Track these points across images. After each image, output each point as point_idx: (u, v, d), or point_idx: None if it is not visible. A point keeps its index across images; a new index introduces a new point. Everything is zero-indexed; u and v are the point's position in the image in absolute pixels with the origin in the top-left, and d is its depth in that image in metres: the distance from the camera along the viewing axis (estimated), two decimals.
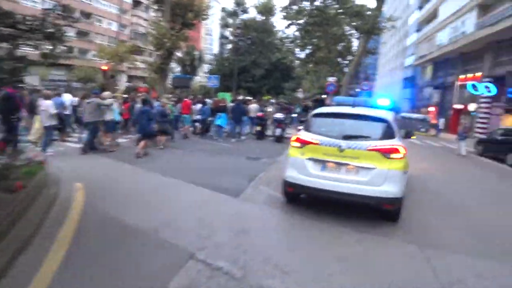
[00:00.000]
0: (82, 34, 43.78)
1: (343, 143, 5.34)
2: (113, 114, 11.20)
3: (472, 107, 29.46)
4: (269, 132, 17.24)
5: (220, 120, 15.55)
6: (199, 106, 16.57)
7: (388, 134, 5.56)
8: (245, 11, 44.08)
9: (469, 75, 30.43)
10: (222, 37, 41.59)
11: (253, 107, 17.99)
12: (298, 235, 5.09)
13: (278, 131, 16.21)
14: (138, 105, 13.01)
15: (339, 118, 5.94)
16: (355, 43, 30.37)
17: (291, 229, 5.33)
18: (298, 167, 5.61)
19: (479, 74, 28.98)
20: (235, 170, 9.16)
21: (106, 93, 11.55)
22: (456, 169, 13.55)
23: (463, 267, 4.38)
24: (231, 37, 38.32)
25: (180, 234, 4.73)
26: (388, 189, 5.19)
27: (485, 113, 28.21)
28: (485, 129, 27.97)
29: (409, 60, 51.59)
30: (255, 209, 6.02)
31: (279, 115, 17.21)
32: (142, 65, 44.66)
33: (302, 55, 30.30)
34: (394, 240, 5.09)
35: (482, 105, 28.22)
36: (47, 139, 9.70)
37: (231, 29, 43.16)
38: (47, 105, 9.65)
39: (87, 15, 49.50)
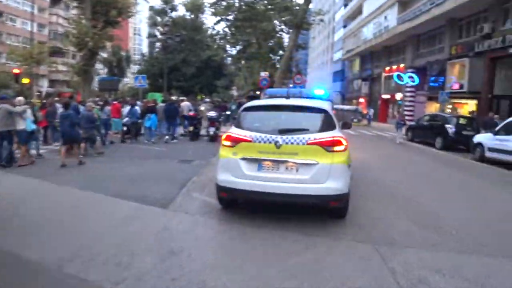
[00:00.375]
0: None
1: (280, 139, 4.72)
2: (26, 123, 9.68)
3: (398, 96, 30.99)
4: (204, 132, 16.42)
5: (150, 121, 14.64)
6: (127, 108, 15.31)
7: (327, 125, 5.04)
8: (173, 9, 42.49)
9: (394, 67, 32.00)
10: (151, 36, 39.48)
11: (185, 105, 17.34)
12: (238, 249, 4.35)
13: (211, 130, 15.52)
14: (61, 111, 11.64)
15: (273, 111, 5.37)
16: (286, 39, 30.57)
17: (230, 243, 4.57)
18: (231, 169, 4.90)
19: (402, 65, 30.57)
20: (166, 176, 8.22)
21: (18, 99, 10.16)
22: (395, 156, 13.78)
23: (421, 263, 3.97)
24: (159, 36, 36.47)
25: (93, 265, 3.77)
26: (333, 186, 4.67)
27: (410, 101, 29.80)
28: (412, 116, 29.57)
29: (338, 55, 53.43)
30: (187, 222, 5.17)
31: (212, 113, 16.49)
32: (64, 68, 41.33)
33: (233, 52, 29.84)
34: (345, 241, 4.57)
35: (407, 94, 29.77)
36: None
37: (159, 27, 41.37)
38: None
39: None
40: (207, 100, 25.91)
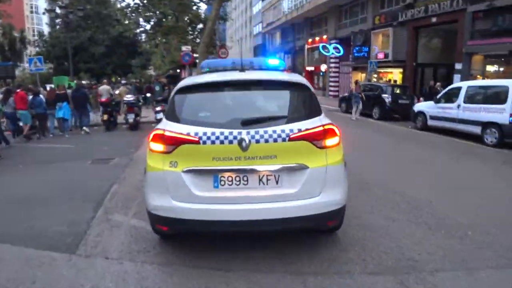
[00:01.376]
0: None
1: (246, 135, 3.02)
2: None
3: (323, 68, 30.65)
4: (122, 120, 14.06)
5: (62, 111, 12.57)
6: (30, 98, 12.48)
7: (311, 108, 3.41)
8: None
9: (317, 39, 31.48)
10: (48, 11, 33.99)
11: (104, 89, 15.02)
12: None
13: (130, 117, 13.36)
14: None
15: (227, 91, 3.52)
16: (204, 11, 28.17)
17: None
18: (171, 188, 3.12)
19: (325, 37, 30.12)
20: (75, 187, 6.06)
21: None
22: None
23: None
24: (59, 11, 31.42)
25: None
26: (331, 198, 3.16)
27: (335, 72, 29.61)
28: (337, 87, 29.50)
29: (258, 28, 52.04)
30: (109, 277, 3.29)
31: (129, 97, 14.20)
32: None
33: (147, 27, 26.73)
34: (356, 276, 3.13)
35: (332, 65, 29.49)
36: None
37: (59, 1, 35.73)
38: None
39: None
40: (124, 81, 22.81)
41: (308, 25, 34.94)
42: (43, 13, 47.82)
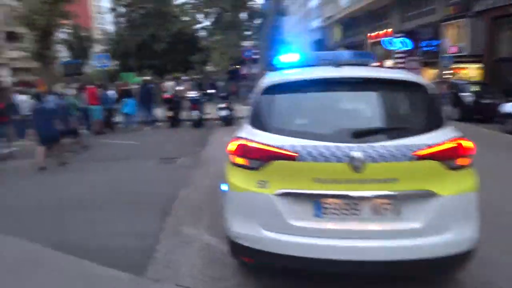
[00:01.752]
0: None
1: (358, 151, 2.36)
2: None
3: (388, 63, 28.94)
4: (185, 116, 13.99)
5: (127, 107, 12.90)
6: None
7: (435, 116, 2.68)
8: None
9: (380, 32, 29.77)
10: (112, 10, 35.27)
11: (169, 85, 15.55)
12: None
13: (194, 114, 13.15)
14: (26, 103, 10.51)
15: (330, 92, 2.77)
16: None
17: None
18: (259, 214, 2.55)
19: (390, 30, 28.37)
20: (140, 190, 5.78)
21: None
22: None
23: None
24: (122, 10, 32.46)
25: None
26: (464, 235, 2.42)
27: (402, 68, 27.81)
28: None
29: (316, 23, 50.69)
30: None
31: (192, 94, 13.91)
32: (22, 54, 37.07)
33: (207, 23, 26.67)
34: None
35: (398, 60, 27.71)
36: None
37: (123, 2, 36.97)
38: None
39: None
40: (185, 78, 22.94)
41: (370, 18, 33.19)
42: (108, 13, 50.09)
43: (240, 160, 2.65)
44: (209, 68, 32.68)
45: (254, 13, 24.23)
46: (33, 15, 19.06)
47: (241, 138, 2.71)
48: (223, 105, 12.82)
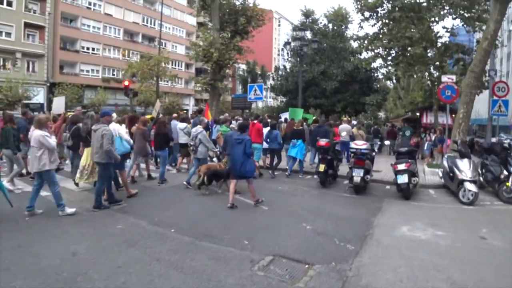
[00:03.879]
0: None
1: None
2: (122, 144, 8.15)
3: None
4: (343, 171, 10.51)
5: (296, 149, 11.10)
6: (266, 130, 11.36)
7: None
8: (314, 22, 36.92)
9: None
10: (286, 45, 34.81)
11: (344, 128, 13.02)
12: None
13: (357, 173, 9.07)
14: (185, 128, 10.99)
15: None
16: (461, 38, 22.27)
17: None
18: None
19: None
20: None
21: (114, 116, 8.48)
22: None
23: None
24: (293, 43, 31.49)
25: None
26: None
27: None
28: None
29: None
30: None
31: (359, 144, 10.13)
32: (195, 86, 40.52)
33: (388, 58, 22.83)
34: None
35: None
36: None
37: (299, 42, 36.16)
38: None
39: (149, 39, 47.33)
40: (354, 122, 19.65)
41: None
42: (282, 49, 51.52)
43: None
44: (380, 114, 28.40)
45: (454, 46, 19.29)
46: (210, 48, 19.59)
47: None
48: (403, 166, 8.70)
